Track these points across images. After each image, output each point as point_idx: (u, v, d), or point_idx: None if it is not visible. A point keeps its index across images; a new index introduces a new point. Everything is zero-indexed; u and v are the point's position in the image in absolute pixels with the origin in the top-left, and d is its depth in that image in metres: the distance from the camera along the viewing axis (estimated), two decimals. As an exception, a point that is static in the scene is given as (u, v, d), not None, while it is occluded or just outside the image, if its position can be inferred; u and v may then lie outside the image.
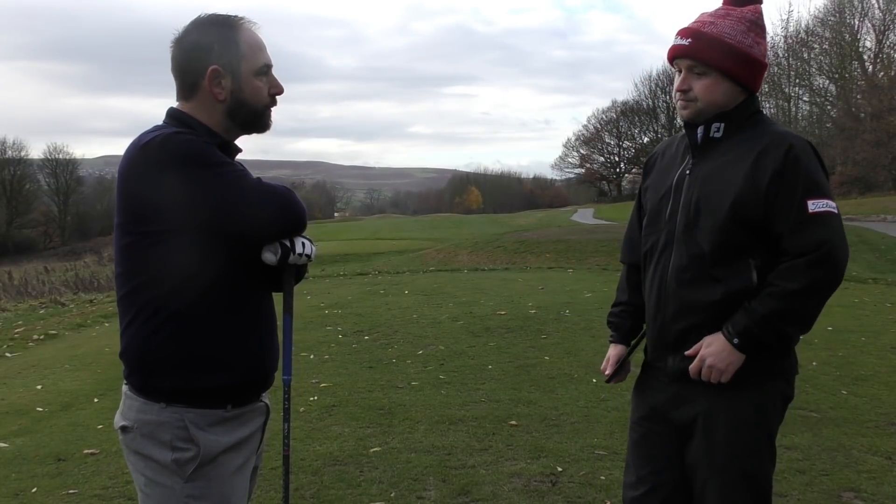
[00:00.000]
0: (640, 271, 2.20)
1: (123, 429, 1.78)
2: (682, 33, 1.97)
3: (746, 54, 1.92)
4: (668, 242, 2.02)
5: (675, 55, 1.99)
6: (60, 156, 67.90)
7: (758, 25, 1.96)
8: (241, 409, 1.82)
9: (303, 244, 1.84)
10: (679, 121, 2.09)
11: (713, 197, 1.93)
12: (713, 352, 1.89)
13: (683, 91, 1.97)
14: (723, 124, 1.97)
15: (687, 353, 1.96)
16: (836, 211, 1.88)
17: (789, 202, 1.85)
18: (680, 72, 1.99)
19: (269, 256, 1.79)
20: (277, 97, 1.86)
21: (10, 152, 62.92)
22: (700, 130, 1.99)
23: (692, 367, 1.93)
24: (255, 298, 1.84)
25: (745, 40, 1.92)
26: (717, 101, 1.95)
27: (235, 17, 1.81)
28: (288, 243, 1.81)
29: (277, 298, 1.94)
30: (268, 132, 1.91)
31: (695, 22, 1.99)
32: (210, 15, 1.81)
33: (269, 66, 1.84)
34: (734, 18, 1.94)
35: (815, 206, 1.85)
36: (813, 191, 1.86)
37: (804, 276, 1.83)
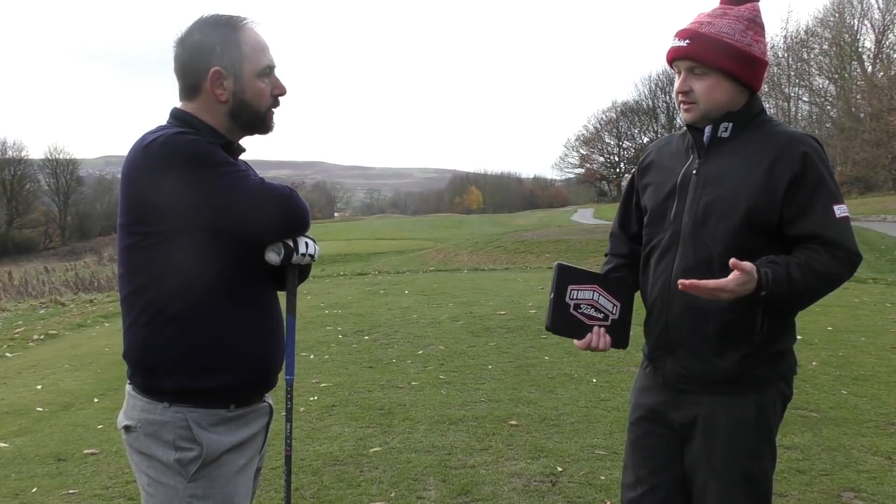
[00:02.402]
0: (620, 257, 2.23)
1: (127, 428, 1.78)
2: (680, 34, 1.95)
3: (746, 53, 1.91)
4: (672, 243, 1.99)
5: (674, 57, 1.97)
6: (60, 156, 68.00)
7: (756, 23, 1.94)
8: (244, 409, 1.82)
9: (306, 244, 1.84)
10: (679, 121, 2.08)
11: (724, 200, 1.91)
12: (733, 289, 1.75)
13: (684, 93, 1.95)
14: (731, 124, 1.95)
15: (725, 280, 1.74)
16: (849, 215, 1.91)
17: (814, 209, 1.85)
18: (680, 73, 1.97)
19: (272, 256, 1.79)
20: (280, 98, 1.86)
21: (10, 152, 62.97)
22: (708, 131, 1.97)
23: (703, 282, 1.77)
24: (258, 299, 1.84)
25: (744, 39, 1.91)
26: (719, 102, 1.93)
27: (238, 17, 1.81)
28: (291, 243, 1.81)
29: (282, 298, 1.94)
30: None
31: (692, 23, 1.97)
32: (213, 15, 1.80)
33: (271, 68, 1.83)
34: (732, 17, 1.93)
35: (839, 211, 1.87)
36: (832, 197, 1.87)
37: (840, 268, 1.86)
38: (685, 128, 2.06)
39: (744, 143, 1.94)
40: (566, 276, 2.04)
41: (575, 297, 2.03)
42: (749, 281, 1.76)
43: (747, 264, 1.75)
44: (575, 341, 2.05)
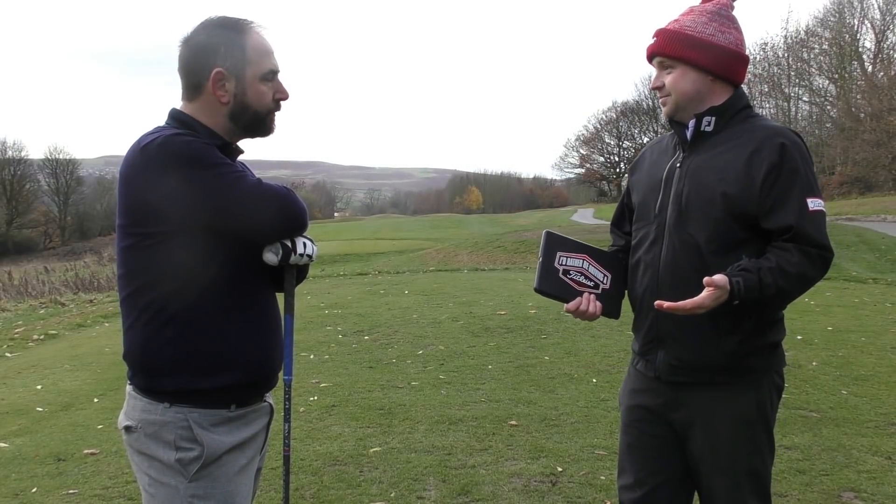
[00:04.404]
0: (617, 245, 2.25)
1: (127, 429, 1.79)
2: (653, 35, 2.04)
3: (708, 42, 1.95)
4: (658, 235, 2.02)
5: (648, 57, 2.06)
6: (60, 156, 67.99)
7: (720, 15, 1.99)
8: (244, 409, 1.83)
9: (304, 244, 1.85)
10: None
11: (705, 189, 1.94)
12: (710, 305, 1.81)
13: (658, 88, 2.03)
14: (714, 118, 1.99)
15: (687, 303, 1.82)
16: (825, 210, 1.93)
17: (788, 199, 1.87)
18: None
19: (270, 257, 1.79)
20: (282, 102, 1.86)
21: (10, 152, 62.97)
22: (691, 125, 2.01)
23: (680, 304, 1.82)
24: (257, 299, 1.84)
25: (706, 30, 1.97)
26: (687, 92, 1.97)
27: (245, 20, 1.81)
28: (289, 243, 1.82)
29: (280, 298, 1.95)
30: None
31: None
32: (220, 17, 1.81)
33: (275, 72, 1.83)
34: (695, 13, 2.01)
35: (813, 204, 1.88)
36: (809, 189, 1.89)
37: (813, 269, 1.87)
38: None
39: (727, 136, 1.98)
40: (554, 243, 2.06)
41: (564, 262, 2.05)
42: (723, 293, 1.80)
43: (719, 278, 1.80)
44: (565, 306, 2.06)
